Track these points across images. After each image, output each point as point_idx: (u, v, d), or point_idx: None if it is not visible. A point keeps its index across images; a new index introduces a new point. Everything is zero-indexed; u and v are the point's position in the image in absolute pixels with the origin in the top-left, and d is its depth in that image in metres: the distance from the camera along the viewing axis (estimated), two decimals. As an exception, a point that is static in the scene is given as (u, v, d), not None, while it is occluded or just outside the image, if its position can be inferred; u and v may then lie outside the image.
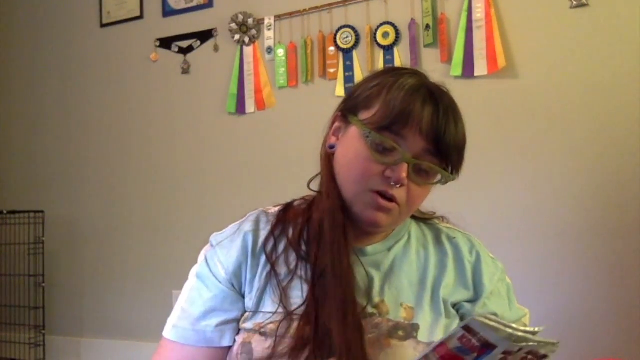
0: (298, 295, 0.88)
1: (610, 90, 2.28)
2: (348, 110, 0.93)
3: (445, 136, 0.85)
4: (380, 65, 2.64)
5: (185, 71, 3.13)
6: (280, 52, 2.88)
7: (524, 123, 2.41)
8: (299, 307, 0.86)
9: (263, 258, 0.92)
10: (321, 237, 0.89)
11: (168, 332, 0.93)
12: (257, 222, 0.97)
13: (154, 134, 3.22)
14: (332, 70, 2.76)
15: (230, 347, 0.91)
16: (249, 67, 2.94)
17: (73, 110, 3.47)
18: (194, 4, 3.12)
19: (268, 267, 0.91)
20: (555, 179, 2.35)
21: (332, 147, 0.95)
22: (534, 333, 0.62)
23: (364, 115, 0.89)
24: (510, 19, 2.43)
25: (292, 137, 2.82)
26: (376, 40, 2.66)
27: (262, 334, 0.86)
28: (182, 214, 3.11)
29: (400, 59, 2.60)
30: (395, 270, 0.94)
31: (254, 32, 2.95)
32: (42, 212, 3.23)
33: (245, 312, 0.91)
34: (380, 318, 0.88)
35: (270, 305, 0.88)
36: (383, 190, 0.87)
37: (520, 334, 0.58)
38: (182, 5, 3.15)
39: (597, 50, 2.30)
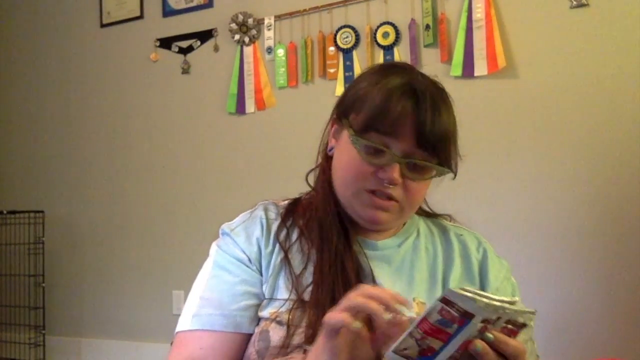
0: (311, 281, 0.89)
1: (610, 90, 2.28)
2: (341, 113, 0.94)
3: (430, 131, 0.85)
4: (380, 65, 2.64)
5: (185, 71, 3.13)
6: (280, 52, 2.88)
7: (524, 123, 2.41)
8: (311, 294, 0.86)
9: (276, 245, 0.93)
10: (323, 234, 0.91)
11: (187, 324, 0.89)
12: (269, 211, 0.97)
13: (154, 134, 3.22)
14: (332, 70, 2.76)
15: (250, 335, 0.90)
16: (249, 67, 2.94)
17: (73, 110, 3.47)
18: (194, 4, 3.12)
19: (281, 255, 0.92)
20: (555, 179, 2.35)
21: (331, 149, 0.97)
22: (511, 303, 0.64)
23: (353, 118, 0.90)
24: (510, 19, 2.43)
25: (292, 137, 2.82)
26: (376, 40, 2.67)
27: (278, 322, 0.86)
28: (182, 214, 3.11)
29: (400, 59, 2.60)
30: (406, 266, 0.95)
31: (254, 32, 2.95)
32: (42, 212, 3.23)
33: (264, 299, 0.91)
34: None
35: (284, 292, 0.89)
36: (378, 190, 0.88)
37: (496, 302, 0.60)
38: (182, 5, 3.15)
39: (597, 50, 2.30)
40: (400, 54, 2.62)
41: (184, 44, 3.14)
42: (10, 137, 3.68)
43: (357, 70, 2.69)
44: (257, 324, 0.89)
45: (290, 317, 0.85)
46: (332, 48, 2.76)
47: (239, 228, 0.95)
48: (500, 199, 2.44)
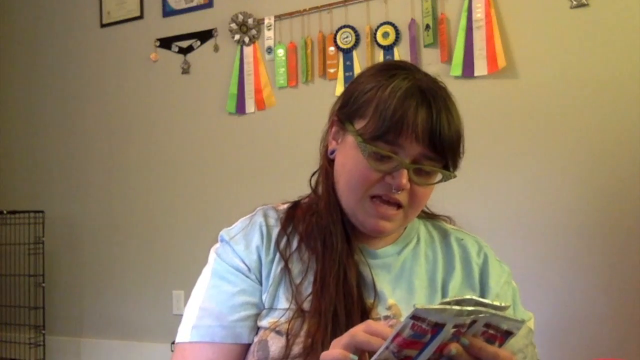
0: (311, 291, 0.88)
1: (610, 90, 2.28)
2: (344, 116, 0.92)
3: (441, 137, 0.84)
4: (380, 65, 2.64)
5: (185, 71, 3.13)
6: (280, 52, 2.88)
7: (524, 123, 2.41)
8: (311, 304, 0.86)
9: (276, 254, 0.91)
10: (325, 240, 0.90)
11: (187, 335, 0.89)
12: (268, 217, 0.96)
13: (154, 134, 3.22)
14: (332, 70, 2.76)
15: (249, 345, 0.89)
16: (249, 67, 2.94)
17: (73, 110, 3.47)
18: (194, 4, 3.12)
19: (282, 264, 0.90)
20: (555, 179, 2.35)
21: (332, 152, 0.95)
22: (501, 308, 0.65)
23: (359, 124, 0.88)
24: (510, 19, 2.43)
25: (292, 137, 2.82)
26: (376, 40, 2.67)
27: (277, 332, 0.86)
28: (182, 214, 3.11)
29: (400, 59, 2.60)
30: (405, 273, 0.94)
31: (254, 32, 2.95)
32: (42, 212, 3.23)
33: (263, 308, 0.90)
34: (395, 319, 0.89)
35: (284, 302, 0.88)
36: (385, 195, 0.87)
37: (470, 308, 0.62)
38: (182, 5, 3.15)
39: (597, 50, 2.30)
40: (400, 54, 2.62)
41: (184, 44, 3.14)
42: (10, 137, 3.68)
43: (357, 70, 2.69)
44: (256, 334, 0.89)
45: (289, 326, 0.84)
46: (332, 48, 2.76)
47: (238, 236, 0.94)
48: (500, 199, 2.44)
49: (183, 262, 2.99)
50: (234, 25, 2.98)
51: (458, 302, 0.63)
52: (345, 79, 2.71)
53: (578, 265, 2.30)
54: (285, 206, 0.99)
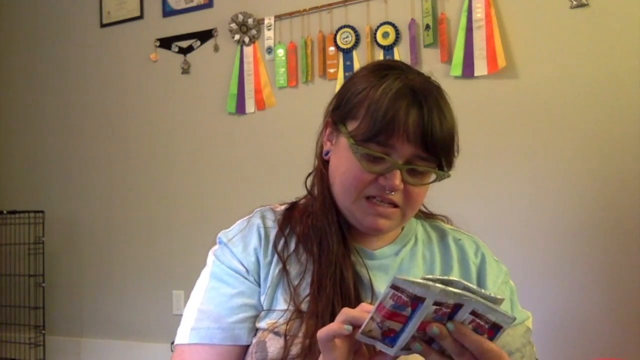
0: (308, 293, 0.88)
1: (610, 90, 2.28)
2: (338, 118, 0.92)
3: (433, 137, 0.84)
4: (380, 65, 2.64)
5: (185, 71, 3.13)
6: (280, 52, 2.88)
7: (524, 123, 2.41)
8: (309, 305, 0.86)
9: (274, 256, 0.92)
10: (321, 242, 0.90)
11: (185, 337, 0.89)
12: (266, 218, 0.96)
13: (154, 134, 3.22)
14: (332, 70, 2.76)
15: (248, 347, 0.90)
16: (249, 67, 2.94)
17: (73, 110, 3.47)
18: (194, 4, 3.12)
19: (280, 265, 0.91)
20: (555, 179, 2.35)
21: (327, 153, 0.95)
22: (493, 300, 0.65)
23: (352, 125, 0.88)
24: (510, 19, 2.43)
25: (292, 137, 2.82)
26: (376, 40, 2.67)
27: (276, 333, 0.86)
28: (182, 214, 3.11)
29: (400, 59, 2.60)
30: (403, 274, 0.93)
31: (254, 32, 2.95)
32: (42, 212, 3.23)
33: (262, 310, 0.91)
34: None
35: (282, 303, 0.88)
36: (379, 196, 0.87)
37: (456, 290, 0.63)
38: (182, 5, 3.15)
39: (597, 50, 2.30)
40: (400, 54, 2.62)
41: (184, 44, 3.14)
42: (10, 137, 3.68)
43: (357, 70, 2.69)
44: (255, 335, 0.89)
45: (287, 327, 0.85)
46: (332, 48, 2.76)
47: (236, 238, 0.94)
48: (500, 198, 2.44)
49: (183, 262, 2.99)
50: (234, 25, 2.98)
51: (444, 282, 0.64)
52: (345, 79, 2.71)
53: (578, 265, 2.30)
54: (283, 207, 0.99)
